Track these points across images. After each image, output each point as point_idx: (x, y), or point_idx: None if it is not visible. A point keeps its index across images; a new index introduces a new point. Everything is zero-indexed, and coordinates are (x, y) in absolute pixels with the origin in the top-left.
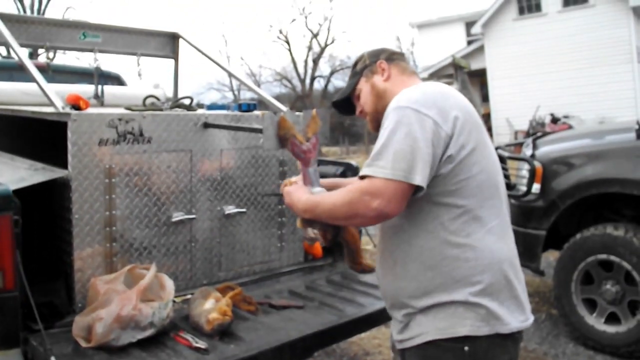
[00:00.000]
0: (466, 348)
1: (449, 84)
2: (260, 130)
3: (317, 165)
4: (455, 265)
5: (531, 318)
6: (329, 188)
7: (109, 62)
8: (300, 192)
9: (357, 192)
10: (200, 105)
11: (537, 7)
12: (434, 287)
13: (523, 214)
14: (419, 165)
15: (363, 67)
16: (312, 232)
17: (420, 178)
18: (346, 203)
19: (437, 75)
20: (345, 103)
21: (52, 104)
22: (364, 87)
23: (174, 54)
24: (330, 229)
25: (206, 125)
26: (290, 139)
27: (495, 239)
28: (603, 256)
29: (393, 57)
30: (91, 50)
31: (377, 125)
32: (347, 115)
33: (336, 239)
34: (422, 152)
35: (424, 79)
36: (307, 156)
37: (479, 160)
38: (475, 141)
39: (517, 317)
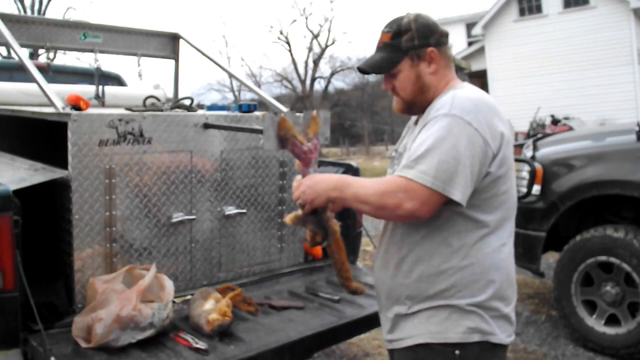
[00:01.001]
0: (457, 352)
1: None
2: (260, 131)
3: (317, 166)
4: (460, 276)
5: (513, 335)
6: None
7: (109, 63)
8: (326, 174)
9: (393, 186)
10: (200, 106)
11: (538, 9)
12: (434, 292)
13: (523, 215)
14: (460, 181)
15: (410, 46)
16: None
17: (459, 194)
18: (379, 192)
19: None
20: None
21: (52, 104)
22: (406, 70)
23: (175, 55)
24: (321, 231)
25: (206, 126)
26: (290, 139)
27: (503, 257)
28: (603, 258)
29: (442, 41)
30: (91, 51)
31: (405, 109)
32: (368, 74)
33: (323, 243)
34: (466, 168)
35: None
36: (308, 157)
37: (508, 179)
38: (510, 160)
39: (505, 332)
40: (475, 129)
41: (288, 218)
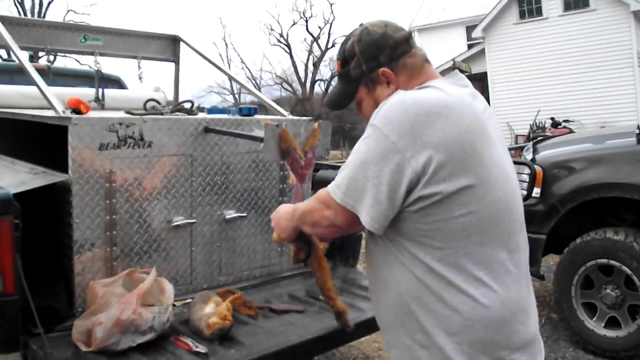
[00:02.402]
0: None
1: None
2: (261, 139)
3: (310, 182)
4: (431, 317)
5: None
6: None
7: (109, 65)
8: (284, 206)
9: (316, 200)
10: (200, 109)
11: (538, 11)
12: (405, 329)
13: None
14: (367, 202)
15: (359, 73)
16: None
17: (364, 216)
18: (309, 209)
19: None
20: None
21: (52, 107)
22: (365, 98)
23: (175, 57)
24: (305, 248)
25: (207, 130)
26: (292, 152)
27: (481, 293)
28: (603, 260)
29: (396, 54)
30: (92, 53)
31: None
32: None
33: (307, 260)
34: (375, 188)
35: None
36: (304, 172)
37: (469, 201)
38: (468, 178)
39: None
40: (393, 142)
41: (273, 236)
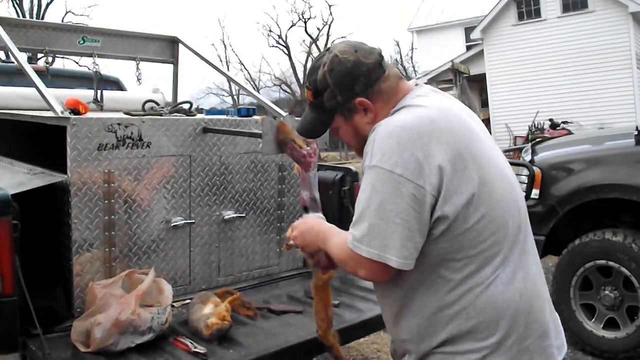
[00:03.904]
0: None
1: (449, 89)
2: (259, 135)
3: (316, 170)
4: (457, 323)
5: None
6: None
7: (108, 67)
8: (314, 220)
9: (344, 254)
10: (199, 110)
11: (537, 13)
12: (438, 341)
13: None
14: (395, 243)
15: (334, 104)
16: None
17: (396, 259)
18: (340, 260)
19: (436, 80)
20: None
21: (51, 108)
22: (342, 126)
23: (173, 59)
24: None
25: (205, 130)
26: (289, 143)
27: (501, 289)
28: (602, 262)
29: (371, 80)
30: (90, 55)
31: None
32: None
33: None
34: (398, 227)
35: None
36: (307, 160)
37: (479, 206)
38: (474, 184)
39: None
40: (400, 175)
41: (290, 234)
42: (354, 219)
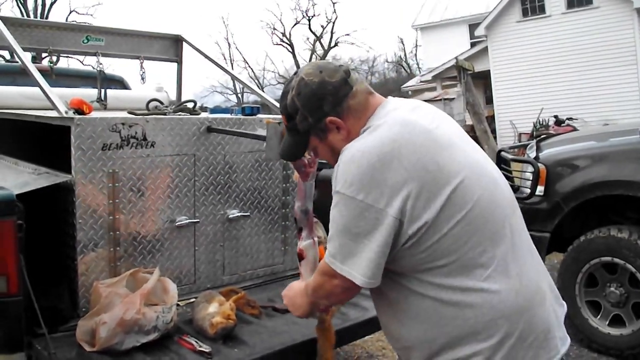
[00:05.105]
0: None
1: (453, 86)
2: (264, 138)
3: (314, 180)
4: (455, 325)
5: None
6: None
7: (112, 66)
8: (295, 284)
9: (319, 275)
10: (203, 109)
11: (541, 9)
12: (438, 347)
13: (527, 216)
14: (361, 262)
15: (307, 126)
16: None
17: (360, 278)
18: (319, 284)
19: (440, 77)
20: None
21: (55, 108)
22: (319, 146)
23: (177, 57)
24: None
25: (209, 130)
26: None
27: (495, 288)
28: (607, 258)
29: (338, 99)
30: (94, 54)
31: None
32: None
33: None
34: (365, 247)
35: (428, 81)
36: (307, 170)
37: (453, 213)
38: (442, 196)
39: None
40: (362, 200)
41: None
42: (328, 235)
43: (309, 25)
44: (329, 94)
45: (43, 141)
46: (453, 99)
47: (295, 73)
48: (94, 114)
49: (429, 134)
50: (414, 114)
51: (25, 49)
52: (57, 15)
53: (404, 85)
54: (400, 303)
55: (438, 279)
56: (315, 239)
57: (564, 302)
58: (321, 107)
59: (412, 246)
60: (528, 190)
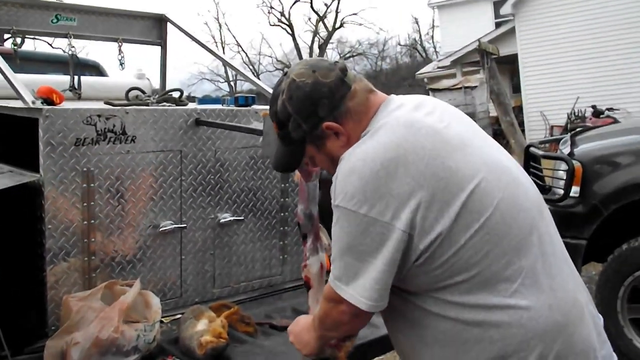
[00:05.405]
0: None
1: (475, 72)
2: (260, 132)
3: (318, 179)
4: (480, 348)
5: None
6: None
7: (86, 49)
8: (301, 318)
9: (325, 301)
10: (191, 99)
11: None
12: None
13: (560, 221)
14: (367, 284)
15: (301, 134)
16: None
17: (366, 302)
18: (324, 312)
19: (460, 62)
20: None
21: (20, 97)
22: (316, 155)
23: (161, 40)
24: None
25: (198, 123)
26: None
27: (525, 304)
28: None
29: (335, 102)
30: (65, 35)
31: None
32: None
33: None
34: (370, 267)
35: (446, 67)
36: (309, 168)
37: (470, 221)
38: (456, 202)
39: None
40: (365, 214)
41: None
42: (332, 256)
43: (311, 3)
44: (324, 96)
45: (6, 135)
46: (475, 87)
47: (284, 73)
48: (66, 105)
49: (437, 134)
50: (419, 111)
51: None
52: None
53: (419, 72)
54: (416, 326)
55: (457, 297)
56: (322, 253)
57: (601, 316)
58: (316, 112)
59: (426, 262)
60: (561, 191)
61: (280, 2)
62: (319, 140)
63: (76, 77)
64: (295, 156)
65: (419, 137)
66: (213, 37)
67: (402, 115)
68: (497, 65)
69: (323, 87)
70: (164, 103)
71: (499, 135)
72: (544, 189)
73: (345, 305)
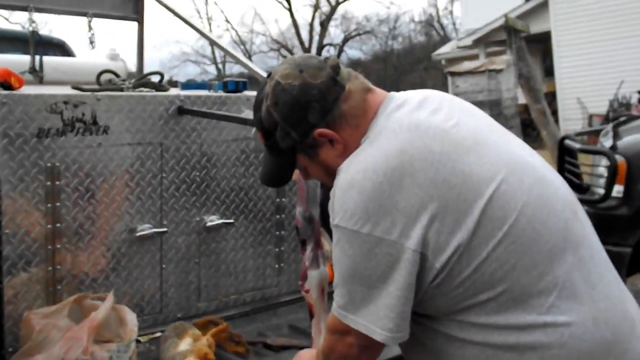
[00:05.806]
0: None
1: (501, 53)
2: (252, 122)
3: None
4: None
5: None
6: None
7: (49, 25)
8: (305, 352)
9: (329, 334)
10: (173, 84)
11: None
12: None
13: (600, 225)
14: (379, 312)
15: (290, 143)
16: None
17: (381, 332)
18: (329, 346)
19: (484, 42)
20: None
21: None
22: (309, 165)
23: (138, 15)
24: None
25: (181, 111)
26: None
27: (564, 319)
28: None
29: (327, 105)
30: (25, 9)
31: None
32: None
33: None
34: (381, 293)
35: (467, 47)
36: None
37: (491, 230)
38: (474, 210)
39: None
40: (368, 234)
41: None
42: (334, 282)
43: None
44: (314, 100)
45: None
46: (501, 70)
47: (268, 75)
48: (26, 89)
49: (446, 135)
50: (424, 110)
51: None
52: None
53: (436, 53)
54: (439, 354)
55: (484, 318)
56: (324, 267)
57: None
58: (306, 118)
59: (444, 282)
60: (601, 191)
61: None
62: (312, 150)
63: (37, 57)
64: (285, 168)
65: (426, 140)
66: (198, 12)
67: (404, 117)
68: (527, 45)
69: (312, 89)
70: (142, 88)
71: (528, 126)
72: (581, 188)
73: (353, 337)
